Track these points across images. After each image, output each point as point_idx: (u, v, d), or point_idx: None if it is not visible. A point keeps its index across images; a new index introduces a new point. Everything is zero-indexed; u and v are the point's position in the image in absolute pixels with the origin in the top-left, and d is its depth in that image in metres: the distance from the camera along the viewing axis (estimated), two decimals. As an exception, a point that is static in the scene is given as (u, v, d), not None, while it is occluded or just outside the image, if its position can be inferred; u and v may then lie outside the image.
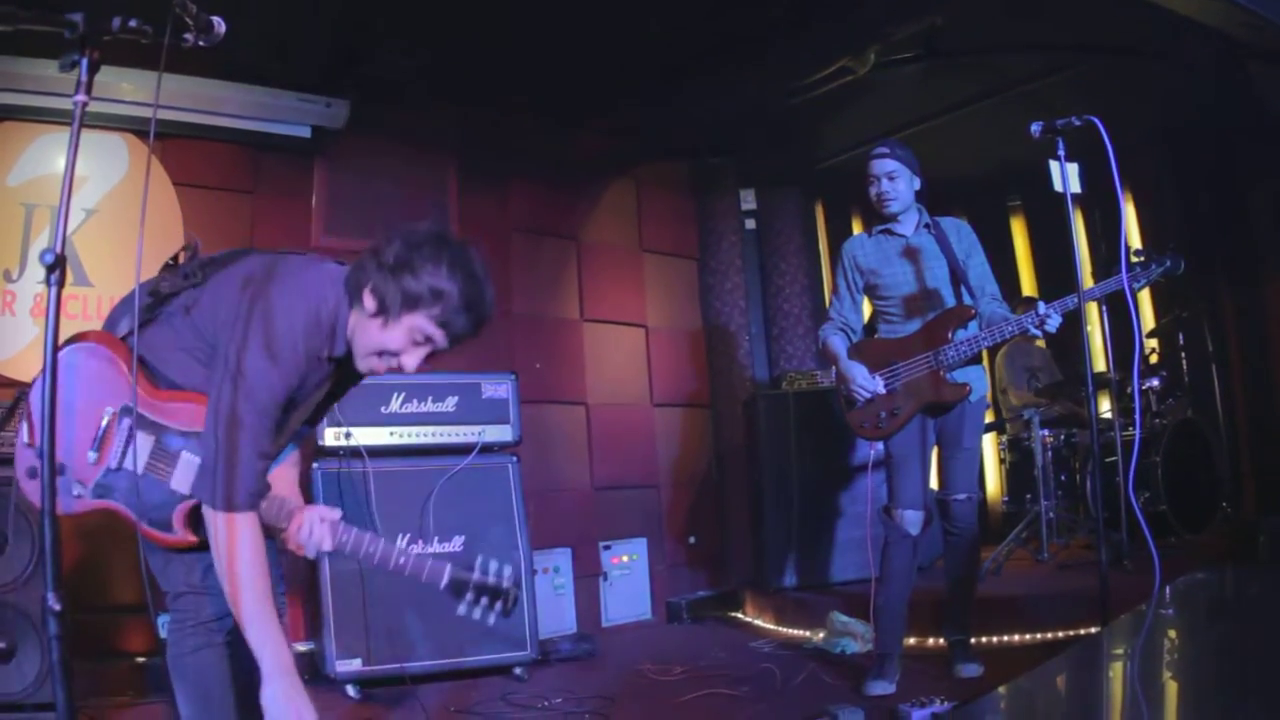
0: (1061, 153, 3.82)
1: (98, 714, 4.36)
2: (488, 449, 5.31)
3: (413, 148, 6.42)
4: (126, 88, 5.04)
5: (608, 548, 6.80)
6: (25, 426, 2.55)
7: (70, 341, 2.59)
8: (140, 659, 4.98)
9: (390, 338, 2.54)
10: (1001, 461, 8.12)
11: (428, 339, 2.55)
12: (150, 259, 5.47)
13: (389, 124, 6.25)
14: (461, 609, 2.69)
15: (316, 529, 2.69)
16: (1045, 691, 2.93)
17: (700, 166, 7.92)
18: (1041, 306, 4.05)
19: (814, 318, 7.74)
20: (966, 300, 4.42)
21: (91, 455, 2.52)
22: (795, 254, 7.95)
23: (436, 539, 5.10)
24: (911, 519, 4.40)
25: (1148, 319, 7.77)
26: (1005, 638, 5.16)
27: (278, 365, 2.47)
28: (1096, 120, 3.66)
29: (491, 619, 2.71)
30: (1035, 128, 3.80)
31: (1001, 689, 3.03)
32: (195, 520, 2.57)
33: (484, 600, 2.69)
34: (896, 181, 4.41)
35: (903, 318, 4.51)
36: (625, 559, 6.85)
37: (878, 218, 4.57)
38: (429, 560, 2.69)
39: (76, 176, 5.10)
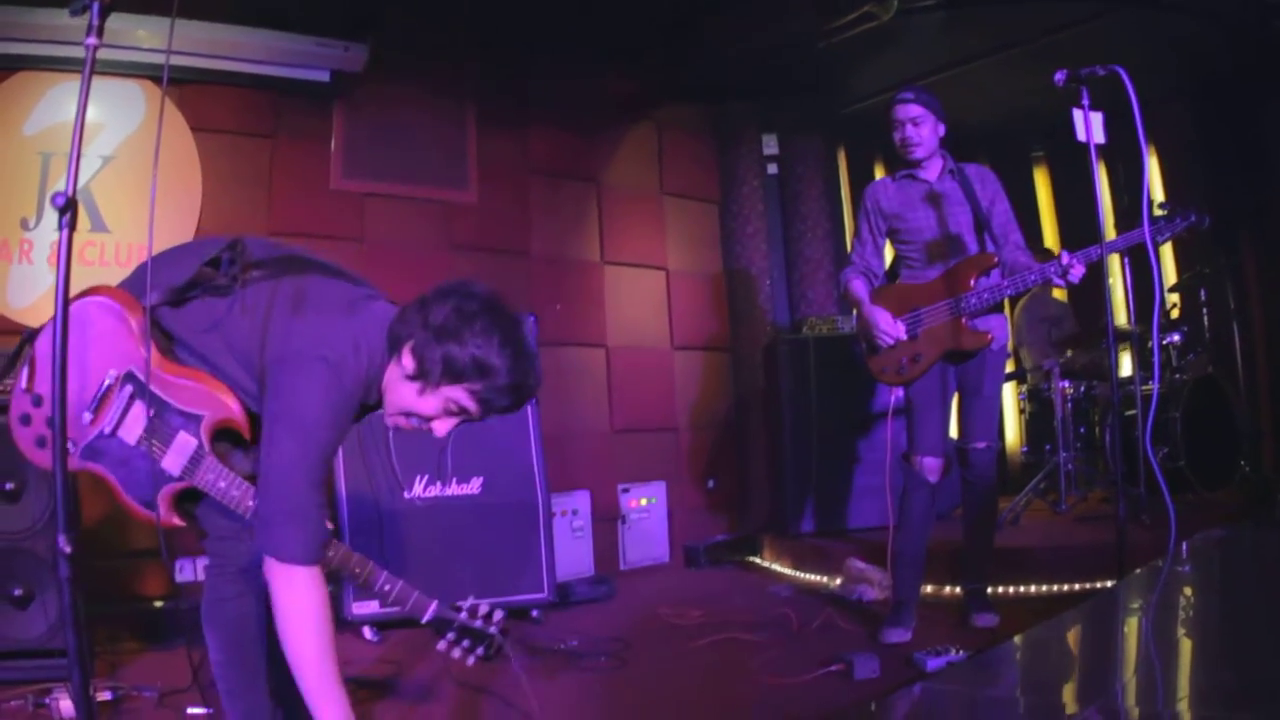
0: (1085, 102, 3.76)
1: (115, 659, 4.41)
2: (507, 390, 5.29)
3: (432, 91, 6.37)
4: (142, 34, 5.01)
5: (626, 491, 6.82)
6: (26, 371, 2.48)
7: (86, 293, 2.52)
8: (158, 603, 5.04)
9: (424, 404, 2.47)
10: (1021, 411, 8.11)
11: (463, 410, 2.47)
12: (168, 205, 5.49)
13: (408, 67, 6.20)
14: (440, 645, 2.63)
15: None
16: (1060, 643, 2.93)
17: (722, 111, 7.84)
18: (1065, 256, 4.01)
19: (835, 263, 7.70)
20: (989, 247, 4.38)
21: (87, 415, 2.46)
22: (817, 199, 7.87)
23: (455, 480, 5.12)
24: (930, 466, 4.39)
25: (1170, 274, 7.71)
26: (1021, 588, 5.17)
27: (333, 425, 2.39)
28: (1121, 70, 3.60)
29: (471, 660, 2.65)
30: (1060, 76, 3.74)
31: (1017, 639, 3.04)
32: (181, 505, 2.54)
33: (466, 642, 2.63)
34: (921, 126, 4.36)
35: (924, 263, 4.47)
36: (643, 502, 6.88)
37: (901, 163, 4.52)
38: (415, 593, 2.61)
39: (94, 124, 5.10)
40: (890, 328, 4.36)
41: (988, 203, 4.42)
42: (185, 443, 2.47)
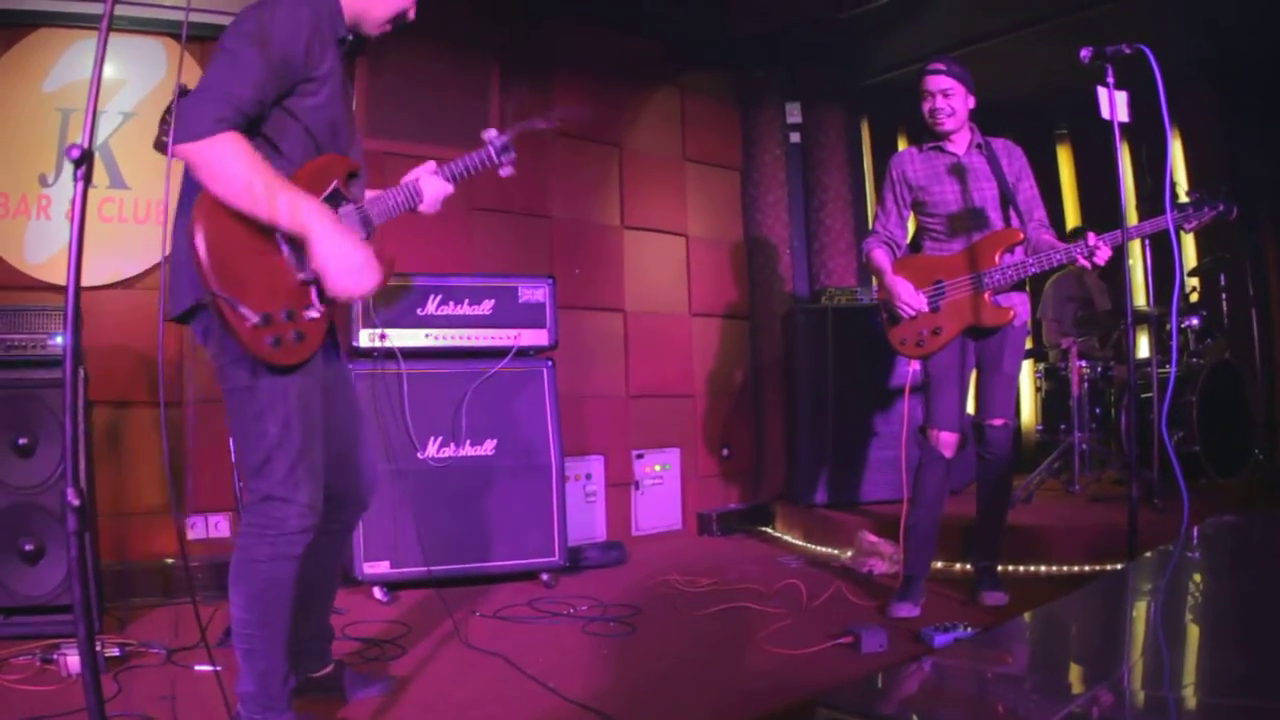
0: (1110, 80, 3.72)
1: (125, 615, 4.44)
2: (523, 353, 5.32)
3: (456, 49, 6.31)
4: (165, -8, 4.99)
5: (640, 456, 6.83)
6: (235, 314, 2.54)
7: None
8: (169, 560, 5.05)
9: None
10: (1037, 389, 8.08)
11: None
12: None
13: (432, 25, 6.12)
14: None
15: (437, 187, 3.17)
16: (1068, 622, 2.93)
17: (746, 78, 7.79)
18: (1091, 237, 3.99)
19: (856, 234, 7.69)
20: (1013, 223, 4.35)
21: (300, 276, 2.69)
22: (839, 169, 7.83)
23: (469, 442, 5.13)
24: (946, 441, 4.38)
25: (1190, 257, 7.65)
26: (1031, 568, 5.16)
27: (286, 27, 2.60)
28: (1146, 49, 3.56)
29: (510, 169, 3.27)
30: (1085, 53, 3.71)
31: (1025, 617, 3.03)
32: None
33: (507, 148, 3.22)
34: (952, 98, 4.31)
35: (948, 235, 4.44)
36: (657, 468, 6.89)
37: (928, 135, 4.49)
38: (485, 149, 3.22)
39: (114, 80, 5.09)
40: (912, 299, 4.35)
41: (1013, 178, 4.38)
42: (347, 213, 2.89)
